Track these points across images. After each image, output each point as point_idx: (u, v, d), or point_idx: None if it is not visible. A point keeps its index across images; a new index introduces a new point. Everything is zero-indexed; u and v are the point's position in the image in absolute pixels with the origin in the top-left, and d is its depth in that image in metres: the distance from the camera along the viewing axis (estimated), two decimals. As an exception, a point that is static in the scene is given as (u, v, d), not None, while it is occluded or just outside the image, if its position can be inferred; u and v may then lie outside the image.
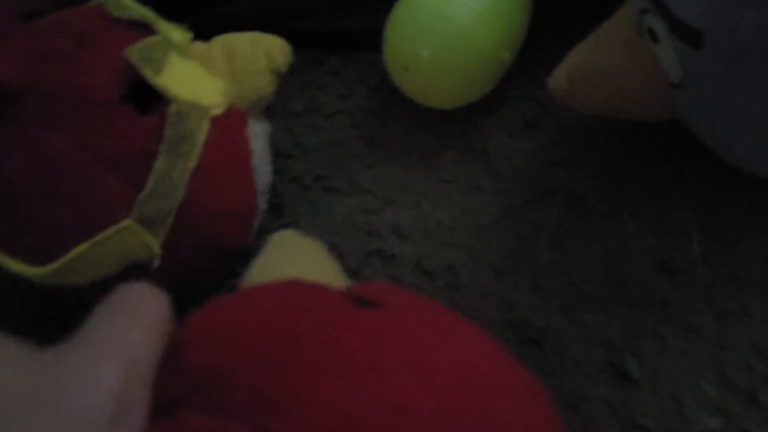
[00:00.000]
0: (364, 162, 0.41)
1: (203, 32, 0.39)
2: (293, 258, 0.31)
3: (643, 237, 0.35)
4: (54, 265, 0.32)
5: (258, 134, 0.39)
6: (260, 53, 0.38)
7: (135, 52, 0.34)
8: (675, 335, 0.33)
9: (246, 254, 0.39)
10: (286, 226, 0.40)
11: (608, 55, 0.33)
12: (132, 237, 0.32)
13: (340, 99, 0.44)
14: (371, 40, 0.42)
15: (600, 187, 0.37)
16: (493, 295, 0.36)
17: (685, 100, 0.31)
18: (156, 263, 0.33)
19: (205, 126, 0.34)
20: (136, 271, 0.33)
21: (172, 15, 0.38)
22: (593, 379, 0.33)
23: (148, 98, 0.34)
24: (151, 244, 0.33)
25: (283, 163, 0.42)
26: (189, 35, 0.37)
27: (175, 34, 0.36)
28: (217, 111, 0.36)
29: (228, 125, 0.36)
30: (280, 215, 0.40)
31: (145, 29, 0.36)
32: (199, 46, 0.38)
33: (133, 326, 0.20)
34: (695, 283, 0.33)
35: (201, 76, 0.37)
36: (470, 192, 0.39)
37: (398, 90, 0.40)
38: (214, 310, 0.23)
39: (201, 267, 0.36)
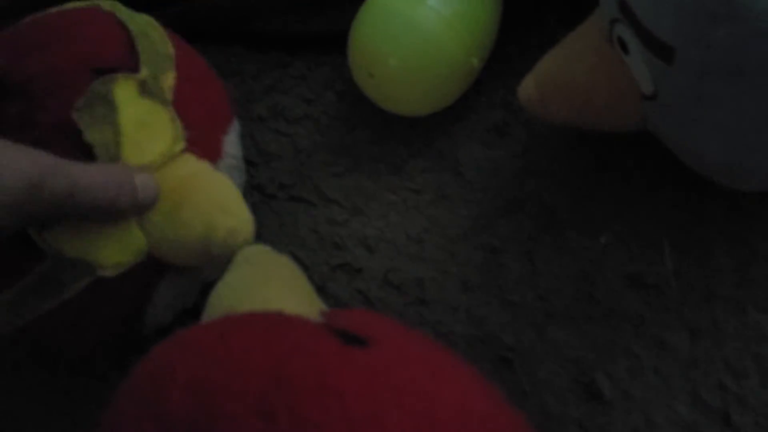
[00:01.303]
0: (330, 170, 0.40)
1: (169, 26, 0.37)
2: (264, 278, 0.29)
3: (615, 251, 0.34)
4: None
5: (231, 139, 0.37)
6: (210, 238, 0.30)
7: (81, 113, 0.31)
8: (647, 353, 0.32)
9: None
10: (248, 238, 0.38)
11: (578, 65, 0.32)
12: None
13: (306, 104, 0.42)
14: (339, 43, 0.40)
15: (571, 198, 0.36)
16: (463, 310, 0.35)
17: (656, 112, 0.30)
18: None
19: None
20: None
21: (138, 8, 0.36)
22: (564, 399, 0.32)
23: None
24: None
25: (245, 171, 0.40)
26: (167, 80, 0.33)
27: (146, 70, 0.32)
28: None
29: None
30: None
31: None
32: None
33: None
34: (668, 299, 0.33)
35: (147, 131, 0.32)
36: (439, 202, 0.38)
37: (365, 95, 0.39)
38: (191, 346, 0.21)
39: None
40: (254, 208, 0.39)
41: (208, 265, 0.33)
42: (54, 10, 0.35)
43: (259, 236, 0.39)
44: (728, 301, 0.32)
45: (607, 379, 0.32)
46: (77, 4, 0.36)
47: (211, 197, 0.31)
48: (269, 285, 0.28)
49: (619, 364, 0.32)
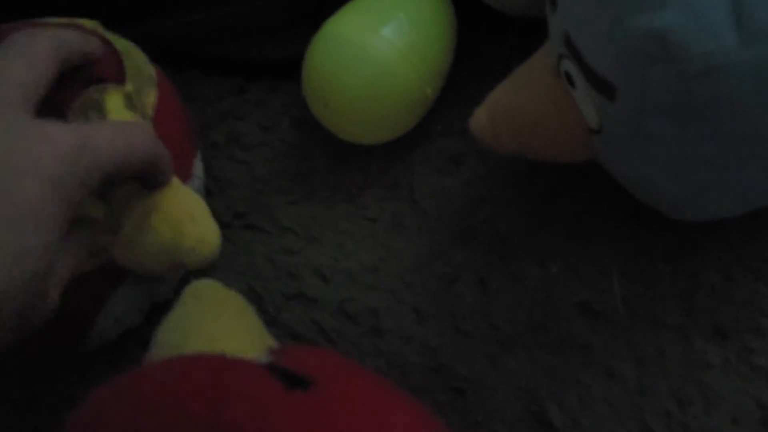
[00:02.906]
0: (286, 198, 0.40)
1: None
2: (212, 314, 0.29)
3: (565, 279, 0.35)
4: None
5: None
6: (178, 246, 0.31)
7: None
8: (596, 381, 0.32)
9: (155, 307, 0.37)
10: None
11: (527, 97, 0.33)
12: None
13: (263, 131, 0.42)
14: (296, 69, 0.40)
15: (524, 226, 0.36)
16: (417, 340, 0.35)
17: (602, 145, 0.31)
18: None
19: None
20: None
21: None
22: (516, 428, 0.32)
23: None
24: None
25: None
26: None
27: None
28: None
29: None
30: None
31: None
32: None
33: None
34: (616, 327, 0.33)
35: None
36: (394, 231, 0.38)
37: (319, 122, 0.39)
38: (127, 392, 0.21)
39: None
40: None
41: (166, 279, 0.34)
42: (38, 21, 0.35)
43: (213, 265, 0.38)
44: (674, 329, 0.33)
45: (558, 408, 0.32)
46: (58, 20, 0.36)
47: (181, 207, 0.31)
48: (217, 321, 0.27)
49: (569, 393, 0.32)
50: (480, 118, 0.34)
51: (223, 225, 0.39)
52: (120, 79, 0.33)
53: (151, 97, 0.34)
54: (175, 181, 0.32)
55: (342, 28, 0.37)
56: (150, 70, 0.35)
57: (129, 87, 0.33)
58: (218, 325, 0.27)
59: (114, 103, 0.32)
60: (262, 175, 0.41)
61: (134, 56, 0.35)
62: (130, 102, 0.32)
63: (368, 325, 0.36)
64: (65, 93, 0.31)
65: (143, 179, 0.30)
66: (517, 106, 0.33)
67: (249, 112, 0.43)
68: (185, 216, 0.31)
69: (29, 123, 0.25)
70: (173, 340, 0.26)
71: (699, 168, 0.28)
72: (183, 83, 0.44)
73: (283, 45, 0.44)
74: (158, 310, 0.35)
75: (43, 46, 0.28)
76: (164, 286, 0.35)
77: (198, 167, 0.37)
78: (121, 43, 0.35)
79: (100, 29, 0.35)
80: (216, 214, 0.39)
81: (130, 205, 0.30)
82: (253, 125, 0.42)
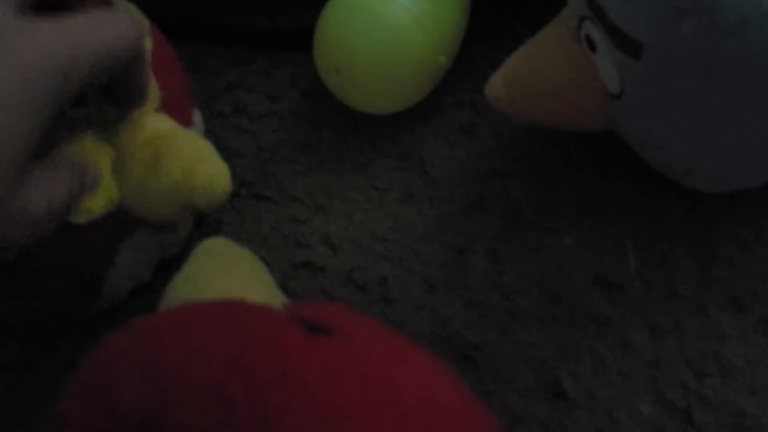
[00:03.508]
0: (294, 168, 0.39)
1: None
2: (225, 269, 0.28)
3: (579, 250, 0.34)
4: None
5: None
6: (190, 185, 0.30)
7: None
8: (610, 353, 0.32)
9: (162, 268, 0.36)
10: (207, 235, 0.37)
11: (545, 64, 0.32)
12: None
13: (270, 101, 0.41)
14: (303, 40, 0.40)
15: (536, 198, 0.36)
16: (427, 309, 0.34)
17: (622, 111, 0.31)
18: None
19: None
20: None
21: None
22: (529, 398, 0.32)
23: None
24: None
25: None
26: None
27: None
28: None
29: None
30: (201, 223, 0.38)
31: None
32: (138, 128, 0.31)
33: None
34: (631, 298, 0.33)
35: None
36: (404, 201, 0.37)
37: (331, 93, 0.38)
38: (146, 333, 0.20)
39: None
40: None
41: (176, 229, 0.33)
42: None
43: (220, 234, 0.38)
44: (690, 301, 0.32)
45: (571, 379, 0.32)
46: None
47: (189, 147, 0.31)
48: (230, 277, 0.27)
49: (583, 364, 0.32)
50: (496, 84, 0.33)
51: (230, 194, 0.39)
52: None
53: (147, 44, 0.33)
54: (179, 127, 0.32)
55: (356, -6, 0.36)
56: (145, 22, 0.35)
57: None
58: (231, 279, 0.26)
59: None
60: (270, 145, 0.40)
61: (128, 7, 0.34)
62: None
63: (377, 294, 0.35)
64: None
65: (120, 93, 0.29)
66: (534, 71, 0.32)
67: (256, 83, 0.42)
68: (194, 155, 0.30)
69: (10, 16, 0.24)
70: (185, 294, 0.26)
71: (724, 131, 0.27)
72: (188, 54, 0.43)
73: (292, 15, 0.43)
74: (164, 270, 0.35)
75: None
76: (174, 238, 0.34)
77: (198, 117, 0.36)
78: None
79: None
80: (222, 183, 0.39)
81: (137, 146, 0.29)
82: (260, 96, 0.42)
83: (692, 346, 0.31)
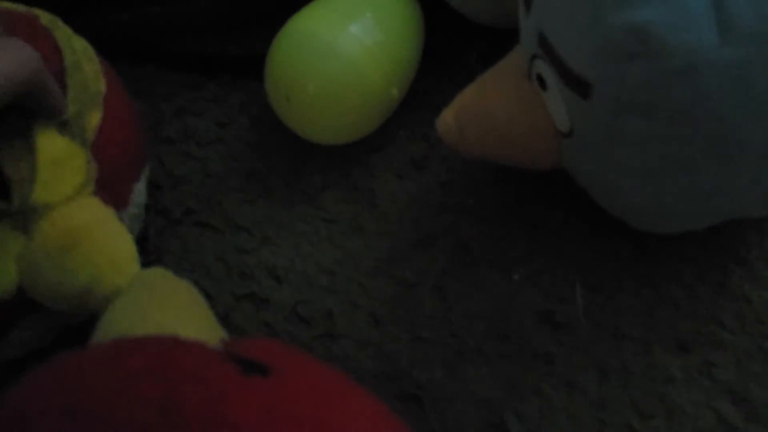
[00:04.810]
0: (241, 197, 0.38)
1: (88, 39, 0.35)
2: (161, 302, 0.27)
3: (527, 288, 0.34)
4: None
5: None
6: (94, 292, 0.28)
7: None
8: (557, 393, 0.31)
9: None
10: (150, 263, 0.36)
11: (496, 99, 0.32)
12: None
13: (219, 127, 0.41)
14: (255, 67, 0.39)
15: (486, 234, 0.36)
16: (373, 345, 0.34)
17: (571, 150, 0.31)
18: None
19: None
20: None
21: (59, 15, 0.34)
22: (473, 438, 0.31)
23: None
24: None
25: (150, 194, 0.38)
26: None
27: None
28: None
29: None
30: (144, 251, 0.36)
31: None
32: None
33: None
34: (578, 338, 0.33)
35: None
36: (353, 234, 0.37)
37: (281, 122, 0.38)
38: (69, 370, 0.19)
39: None
40: (158, 232, 0.37)
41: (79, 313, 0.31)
42: None
43: (162, 262, 0.36)
44: (636, 341, 0.32)
45: (517, 419, 0.31)
46: (13, 7, 0.33)
47: (105, 249, 0.29)
48: (166, 310, 0.26)
49: (530, 404, 0.31)
50: (447, 119, 0.33)
51: (173, 221, 0.38)
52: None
53: (94, 120, 0.31)
54: (107, 216, 0.30)
55: (310, 23, 0.36)
56: (100, 85, 0.32)
57: (69, 111, 0.30)
58: (167, 313, 0.25)
59: (45, 129, 0.30)
60: (217, 173, 0.39)
61: (85, 70, 0.32)
62: (66, 128, 0.30)
63: (322, 328, 0.34)
64: None
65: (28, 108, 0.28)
66: (485, 107, 0.32)
67: (206, 109, 0.41)
68: (106, 262, 0.29)
69: None
70: (117, 328, 0.24)
71: (671, 173, 0.27)
72: (137, 78, 0.42)
73: (245, 42, 0.43)
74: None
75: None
76: (80, 317, 0.32)
77: (139, 192, 0.34)
78: (76, 49, 0.32)
79: (59, 24, 0.33)
80: (166, 210, 0.38)
81: (50, 237, 0.28)
82: (209, 122, 0.41)
83: (638, 387, 0.31)
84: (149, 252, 0.37)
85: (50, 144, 0.29)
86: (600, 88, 0.26)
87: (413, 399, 0.32)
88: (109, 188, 0.31)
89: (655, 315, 0.33)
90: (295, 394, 0.19)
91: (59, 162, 0.29)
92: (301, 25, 0.36)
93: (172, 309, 0.26)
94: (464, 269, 0.35)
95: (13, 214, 0.28)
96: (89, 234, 0.29)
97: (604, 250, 0.34)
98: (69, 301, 0.29)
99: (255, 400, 0.18)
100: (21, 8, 0.33)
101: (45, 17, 0.33)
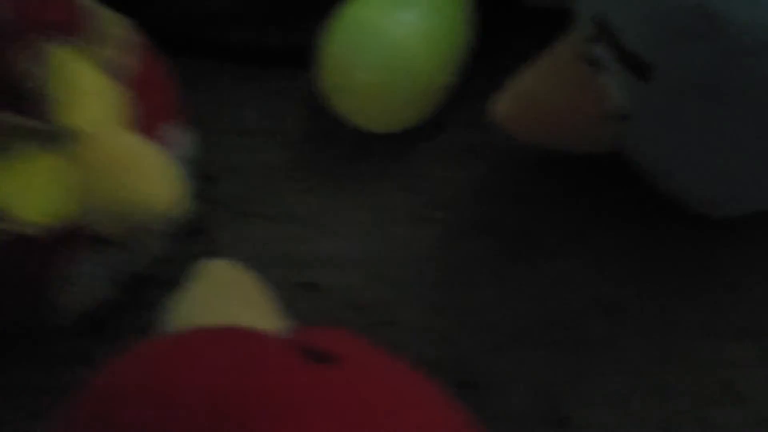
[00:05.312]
0: (296, 186, 0.39)
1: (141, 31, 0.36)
2: (226, 292, 0.28)
3: (582, 273, 0.34)
4: None
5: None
6: (132, 202, 0.30)
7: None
8: (615, 378, 0.31)
9: (161, 283, 0.36)
10: (206, 253, 0.37)
11: (551, 83, 0.32)
12: None
13: (273, 119, 0.41)
14: (306, 57, 0.39)
15: (539, 219, 0.36)
16: (429, 332, 0.34)
17: (629, 133, 0.30)
18: None
19: None
20: None
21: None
22: (531, 425, 0.31)
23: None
24: None
25: (204, 185, 0.39)
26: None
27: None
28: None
29: None
30: (198, 241, 0.37)
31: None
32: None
33: None
34: (636, 323, 0.32)
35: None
36: (407, 221, 0.37)
37: (334, 111, 0.38)
38: (148, 359, 0.20)
39: None
40: (212, 223, 0.38)
41: (134, 246, 0.33)
42: None
43: (216, 253, 0.37)
44: (696, 326, 0.32)
45: (574, 405, 0.31)
46: None
47: (143, 165, 0.31)
48: (231, 300, 0.26)
49: (587, 390, 0.31)
50: (502, 104, 0.33)
51: (226, 211, 0.39)
52: (87, 36, 0.32)
53: (126, 59, 0.33)
54: (142, 142, 0.32)
55: (361, 11, 0.36)
56: (131, 36, 0.35)
57: (102, 49, 0.32)
58: (232, 303, 0.26)
59: (77, 59, 0.31)
60: (272, 163, 0.40)
61: (113, 20, 0.34)
62: (100, 59, 0.32)
63: (379, 315, 0.35)
64: (13, 45, 0.30)
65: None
66: (540, 91, 0.32)
67: (261, 100, 0.42)
68: (145, 174, 0.30)
69: None
70: (184, 317, 0.25)
71: (733, 156, 0.27)
72: (199, 71, 0.43)
73: (296, 32, 0.43)
74: (139, 290, 0.35)
75: None
76: (134, 256, 0.34)
77: (177, 140, 0.36)
78: (105, 14, 0.34)
79: None
80: (224, 202, 0.39)
81: (92, 161, 0.30)
82: (264, 112, 0.42)
83: (700, 372, 0.31)
84: (204, 242, 0.38)
85: (83, 73, 0.31)
86: (662, 70, 0.25)
87: (469, 384, 0.32)
88: (144, 125, 0.33)
89: (716, 300, 0.32)
90: (358, 382, 0.20)
91: (92, 90, 0.31)
92: (353, 14, 0.36)
93: (238, 299, 0.27)
94: (520, 255, 0.35)
95: (53, 136, 0.30)
96: (128, 154, 0.31)
97: (661, 235, 0.34)
98: (118, 219, 0.30)
99: (319, 389, 0.19)
100: None
101: None
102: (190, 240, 0.37)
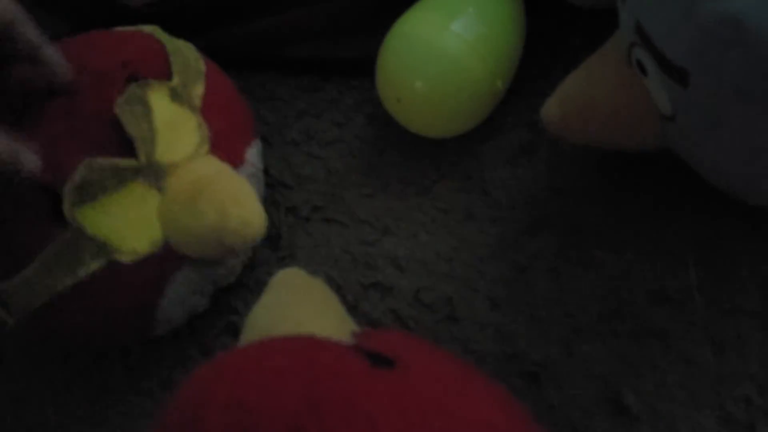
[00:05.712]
0: (362, 192, 0.41)
1: (205, 52, 0.40)
2: (297, 300, 0.31)
3: (639, 267, 0.35)
4: None
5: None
6: (223, 227, 0.33)
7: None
8: (673, 368, 0.32)
9: (243, 289, 0.39)
10: (283, 258, 0.40)
11: (598, 86, 0.33)
12: None
13: (337, 127, 0.44)
14: (367, 67, 0.42)
15: (596, 215, 0.37)
16: (492, 327, 0.36)
17: (675, 133, 0.31)
18: None
19: None
20: None
21: (176, 35, 0.39)
22: (592, 413, 0.32)
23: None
24: None
25: (280, 194, 0.42)
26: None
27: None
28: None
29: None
30: (276, 247, 0.40)
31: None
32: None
33: None
34: (692, 313, 0.33)
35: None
36: (467, 221, 0.39)
37: (392, 118, 0.40)
38: (230, 368, 0.23)
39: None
40: (289, 230, 0.41)
41: (222, 261, 0.36)
42: (102, 30, 0.39)
43: (294, 257, 0.40)
44: (752, 315, 0.32)
45: (633, 394, 0.32)
46: (122, 28, 0.39)
47: (226, 190, 0.34)
48: (302, 307, 0.29)
49: (645, 379, 0.33)
50: (551, 108, 0.34)
51: (302, 218, 0.41)
52: (164, 75, 0.36)
53: (198, 90, 0.36)
54: (225, 168, 0.35)
55: (413, 25, 0.38)
56: (200, 65, 0.38)
57: (175, 81, 0.35)
58: (304, 309, 0.28)
59: (158, 96, 0.35)
60: (338, 170, 0.42)
61: (185, 53, 0.37)
62: (176, 95, 0.35)
63: (444, 312, 0.37)
64: (111, 90, 0.34)
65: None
66: (588, 95, 0.33)
67: (324, 110, 0.44)
68: (229, 200, 0.33)
69: None
70: (262, 324, 0.28)
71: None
72: (260, 84, 0.46)
73: (355, 44, 0.45)
74: (224, 295, 0.38)
75: None
76: (223, 270, 0.37)
77: (253, 155, 0.39)
78: (175, 43, 0.38)
79: (158, 33, 0.38)
80: (295, 209, 0.42)
81: (180, 189, 0.33)
82: (328, 122, 0.44)
83: (756, 361, 0.32)
84: (283, 248, 0.40)
85: (164, 108, 0.34)
86: (697, 76, 0.26)
87: (532, 377, 0.34)
88: (222, 148, 0.36)
89: (773, 289, 0.33)
90: (419, 385, 0.22)
91: (175, 125, 0.34)
92: (406, 28, 0.38)
93: (308, 306, 0.29)
94: (576, 250, 0.36)
95: (145, 171, 0.33)
96: (211, 181, 0.34)
97: (715, 227, 0.34)
98: (206, 243, 0.33)
99: (383, 392, 0.21)
100: (129, 28, 0.39)
101: (147, 28, 0.39)
102: (269, 246, 0.40)
